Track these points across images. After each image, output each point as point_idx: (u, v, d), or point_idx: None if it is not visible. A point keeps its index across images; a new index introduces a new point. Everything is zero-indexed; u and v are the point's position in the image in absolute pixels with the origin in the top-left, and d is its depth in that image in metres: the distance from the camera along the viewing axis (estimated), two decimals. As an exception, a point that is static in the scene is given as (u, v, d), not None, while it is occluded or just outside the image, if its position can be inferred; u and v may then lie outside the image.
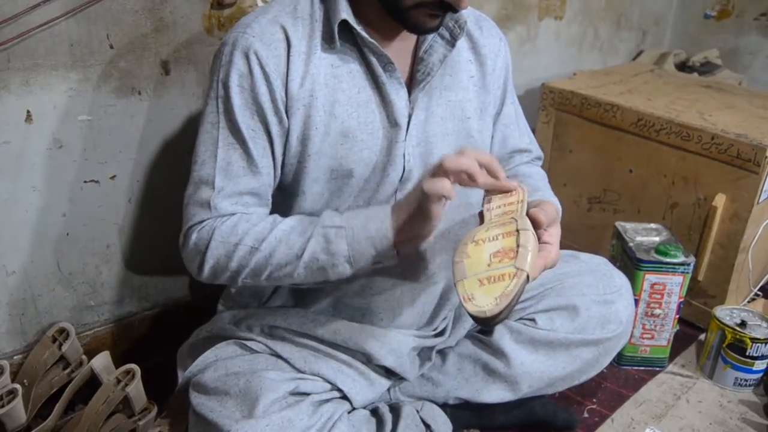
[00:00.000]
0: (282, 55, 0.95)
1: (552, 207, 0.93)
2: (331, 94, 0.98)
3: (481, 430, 1.25)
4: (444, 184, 0.85)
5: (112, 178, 1.27)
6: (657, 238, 1.47)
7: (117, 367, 1.23)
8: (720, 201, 1.49)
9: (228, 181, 0.97)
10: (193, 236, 0.98)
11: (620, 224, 1.52)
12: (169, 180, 1.34)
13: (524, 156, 1.25)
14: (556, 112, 1.76)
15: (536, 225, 0.88)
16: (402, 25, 0.96)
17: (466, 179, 0.87)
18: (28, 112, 1.13)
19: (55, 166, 1.19)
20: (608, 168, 1.69)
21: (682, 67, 2.48)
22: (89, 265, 1.30)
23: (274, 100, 0.95)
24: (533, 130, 1.77)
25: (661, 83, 1.86)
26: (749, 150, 1.43)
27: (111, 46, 1.18)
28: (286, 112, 0.97)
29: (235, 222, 0.96)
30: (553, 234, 0.92)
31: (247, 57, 0.94)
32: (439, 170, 0.86)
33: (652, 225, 1.52)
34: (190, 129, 1.33)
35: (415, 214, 0.88)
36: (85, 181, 1.24)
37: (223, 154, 0.96)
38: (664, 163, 1.58)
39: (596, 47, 2.30)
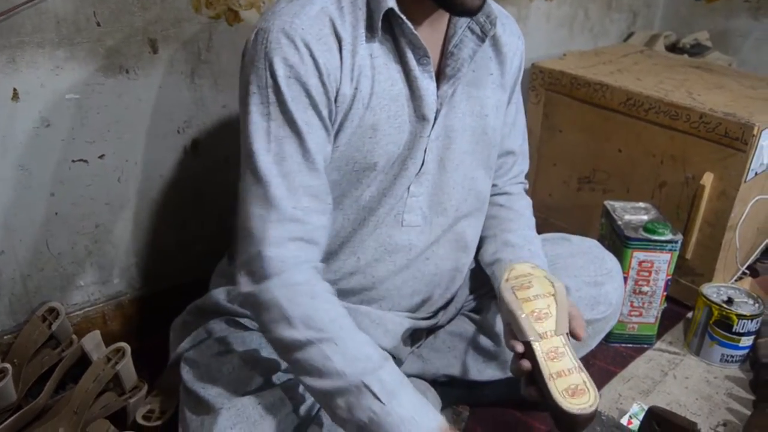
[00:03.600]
0: (334, 49, 0.90)
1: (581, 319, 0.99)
2: (371, 87, 0.94)
3: (471, 406, 1.26)
4: None
5: (101, 157, 1.26)
6: (645, 217, 1.48)
7: (107, 347, 1.23)
8: (708, 179, 1.50)
9: (283, 178, 0.90)
10: (263, 259, 0.89)
11: (609, 203, 1.53)
12: (158, 159, 1.33)
13: (510, 158, 1.23)
14: (546, 93, 1.76)
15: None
16: (444, 6, 0.91)
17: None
18: (15, 90, 1.12)
19: (43, 145, 1.18)
20: (598, 148, 1.70)
21: (673, 48, 2.48)
22: (78, 245, 1.30)
23: (327, 93, 0.90)
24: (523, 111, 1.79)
25: (651, 64, 1.86)
26: (737, 128, 1.44)
27: (98, 24, 1.17)
28: (337, 107, 0.93)
29: (298, 292, 0.88)
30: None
31: (296, 47, 0.87)
32: None
33: (641, 204, 1.53)
34: (179, 108, 1.33)
35: None
36: (74, 161, 1.23)
37: (276, 148, 0.89)
38: (652, 143, 1.59)
39: (587, 28, 2.30)
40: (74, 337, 1.29)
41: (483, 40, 1.00)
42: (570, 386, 0.87)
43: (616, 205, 1.52)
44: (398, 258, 1.06)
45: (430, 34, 0.98)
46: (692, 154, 1.53)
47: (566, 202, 1.78)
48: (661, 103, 1.55)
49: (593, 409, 0.86)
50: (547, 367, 0.90)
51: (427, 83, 0.97)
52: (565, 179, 1.78)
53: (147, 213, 1.36)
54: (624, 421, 1.24)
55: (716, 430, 1.26)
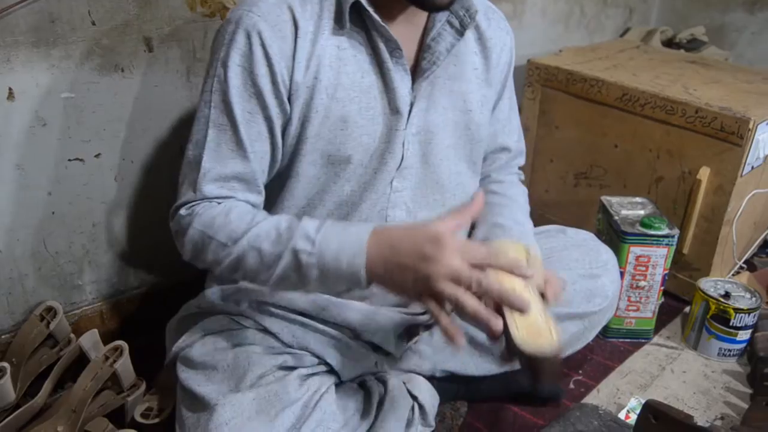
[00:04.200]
0: (288, 37, 0.93)
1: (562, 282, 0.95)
2: (335, 77, 0.96)
3: (468, 401, 1.26)
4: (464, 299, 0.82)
5: (97, 156, 1.26)
6: (642, 212, 1.48)
7: (105, 345, 1.23)
8: (704, 174, 1.50)
9: (215, 163, 0.95)
10: (178, 216, 0.97)
11: (606, 198, 1.53)
12: (154, 158, 1.34)
13: (504, 155, 1.24)
14: (542, 89, 1.76)
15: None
16: (414, 2, 0.93)
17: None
18: (10, 89, 1.12)
19: (39, 144, 1.18)
20: (594, 143, 1.70)
21: (669, 44, 2.48)
22: (76, 244, 1.30)
23: (275, 83, 0.93)
24: (519, 107, 1.79)
25: (647, 59, 1.87)
26: (733, 123, 1.44)
27: (93, 23, 1.17)
28: (290, 97, 0.95)
29: (215, 214, 0.94)
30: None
31: (249, 37, 0.91)
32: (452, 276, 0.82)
33: (638, 199, 1.53)
34: (175, 107, 1.33)
35: (399, 288, 0.86)
36: (70, 160, 1.23)
37: (213, 135, 0.95)
38: (648, 138, 1.59)
39: (583, 24, 2.30)
40: (72, 336, 1.29)
41: (462, 34, 1.01)
42: (532, 328, 0.85)
43: (612, 201, 1.52)
44: None
45: (406, 27, 0.99)
46: (688, 149, 1.53)
47: (563, 198, 1.78)
48: (657, 98, 1.55)
49: (553, 353, 0.84)
50: (511, 312, 0.88)
51: (400, 76, 0.98)
52: (561, 175, 1.78)
53: (144, 212, 1.36)
54: (622, 415, 1.24)
55: (714, 423, 1.26)
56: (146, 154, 1.32)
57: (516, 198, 1.20)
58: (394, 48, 0.96)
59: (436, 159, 1.05)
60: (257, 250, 0.90)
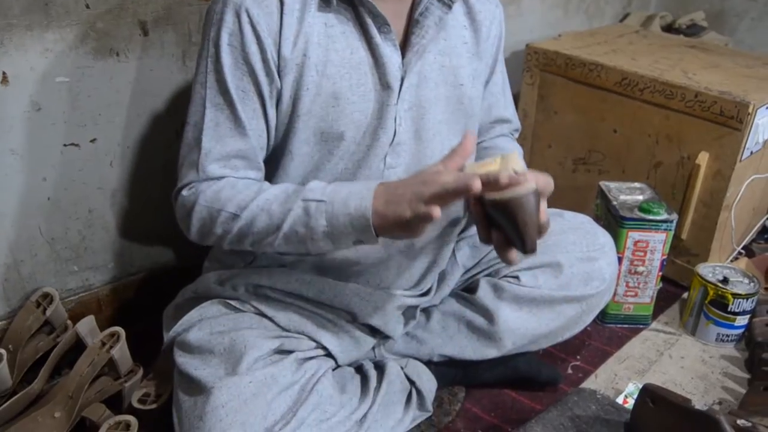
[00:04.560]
0: (274, 13, 0.93)
1: (550, 179, 0.91)
2: (324, 54, 0.96)
3: (466, 386, 1.26)
4: (430, 213, 0.82)
5: (93, 141, 1.26)
6: (640, 197, 1.48)
7: (102, 332, 1.23)
8: (703, 159, 1.50)
9: (215, 143, 0.96)
10: (182, 197, 0.98)
11: (604, 184, 1.53)
12: (151, 142, 1.33)
13: (504, 126, 1.25)
14: (541, 74, 1.75)
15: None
16: None
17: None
18: (4, 73, 1.11)
19: (34, 129, 1.18)
20: (593, 129, 1.69)
21: (669, 29, 2.47)
22: (72, 230, 1.30)
23: (265, 60, 0.94)
24: (518, 93, 1.78)
25: (646, 44, 1.85)
26: (732, 107, 1.43)
27: (87, 6, 1.16)
28: (279, 72, 0.95)
29: (221, 187, 0.95)
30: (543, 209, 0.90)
31: (238, 15, 0.92)
32: (441, 194, 0.83)
33: (636, 184, 1.52)
34: (171, 90, 1.32)
35: (399, 220, 0.85)
36: (65, 145, 1.22)
37: (211, 115, 0.96)
38: (647, 122, 1.58)
39: (582, 9, 2.28)
40: (69, 322, 1.28)
41: (449, 7, 1.01)
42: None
43: (611, 186, 1.52)
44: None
45: (394, 3, 0.99)
46: (687, 134, 1.52)
47: (562, 184, 1.75)
48: (656, 83, 1.54)
49: (527, 190, 0.83)
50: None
51: (390, 51, 0.98)
52: (560, 161, 1.77)
53: (140, 197, 1.36)
54: (620, 400, 1.24)
55: (712, 407, 1.26)
56: (142, 139, 1.31)
57: (506, 146, 1.21)
58: (382, 23, 0.96)
59: (428, 134, 1.05)
60: (267, 212, 0.92)
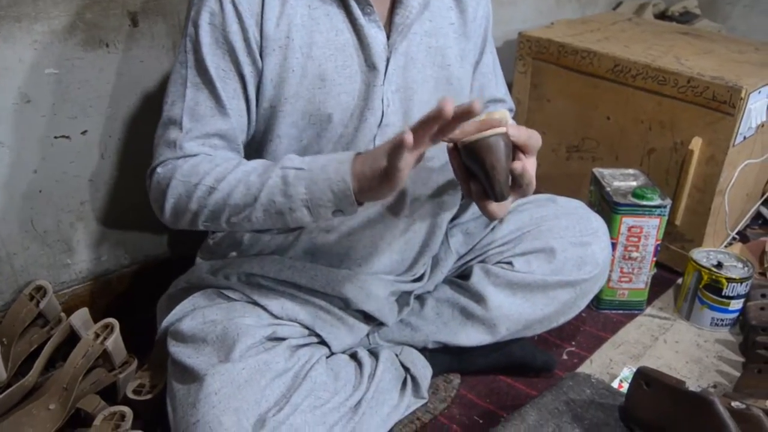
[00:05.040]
0: None
1: (537, 134, 0.91)
2: (309, 36, 0.96)
3: (461, 373, 1.26)
4: (406, 159, 0.80)
5: (84, 133, 1.25)
6: (634, 183, 1.48)
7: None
8: (696, 144, 1.49)
9: (195, 122, 0.95)
10: (157, 175, 0.97)
11: (598, 170, 1.53)
12: (142, 134, 1.32)
13: (498, 106, 1.25)
14: (534, 62, 1.75)
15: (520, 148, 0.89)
16: None
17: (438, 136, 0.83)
18: (-7, 64, 1.11)
19: (24, 121, 1.17)
20: (586, 116, 1.69)
21: (662, 16, 2.47)
22: (64, 223, 1.29)
23: (246, 39, 0.93)
24: (511, 81, 1.78)
25: (639, 31, 1.85)
26: (725, 92, 1.43)
27: (75, -3, 1.16)
28: (261, 53, 0.95)
29: (198, 161, 0.94)
30: (532, 163, 0.91)
31: None
32: (400, 146, 0.80)
33: (630, 170, 1.52)
34: (161, 82, 1.31)
35: (378, 175, 0.84)
36: (56, 137, 1.22)
37: (191, 94, 0.95)
38: (640, 109, 1.58)
39: (574, -2, 2.28)
40: (63, 314, 1.28)
41: None
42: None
43: (604, 172, 1.52)
44: (372, 214, 1.06)
45: None
46: (680, 120, 1.52)
47: (555, 171, 1.78)
48: (649, 69, 1.54)
49: (496, 133, 0.84)
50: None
51: (374, 32, 0.98)
52: (554, 148, 1.77)
53: (132, 189, 1.35)
54: (615, 385, 1.24)
55: (705, 390, 1.26)
56: (133, 131, 1.31)
57: (497, 108, 1.20)
58: (365, 4, 0.97)
59: (417, 116, 1.04)
60: (244, 183, 0.91)
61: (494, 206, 0.90)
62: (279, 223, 0.93)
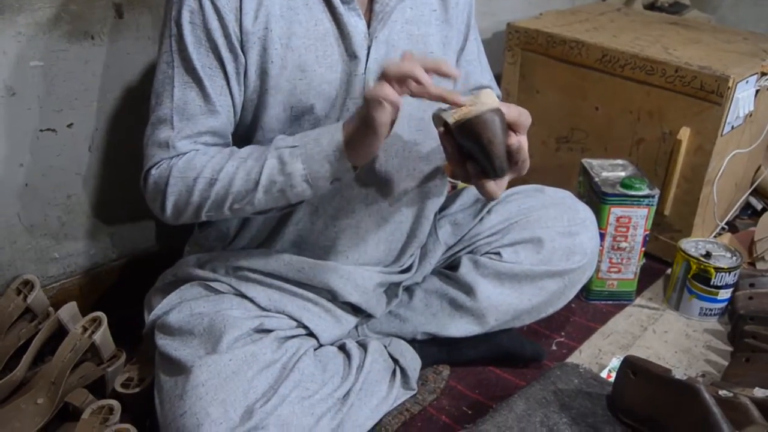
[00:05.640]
0: None
1: (527, 112, 0.91)
2: (288, 27, 0.96)
3: (450, 364, 1.26)
4: (383, 89, 0.83)
5: (70, 126, 1.24)
6: (623, 173, 1.48)
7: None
8: (684, 134, 1.50)
9: (186, 121, 0.95)
10: (153, 176, 0.97)
11: (587, 161, 1.53)
12: (129, 126, 1.31)
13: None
14: (522, 52, 1.75)
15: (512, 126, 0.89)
16: None
17: (414, 87, 0.84)
18: (-24, 58, 1.10)
19: (9, 115, 1.16)
20: (575, 107, 1.69)
21: (651, 7, 2.47)
22: (51, 217, 1.28)
23: (227, 36, 0.93)
24: (499, 72, 1.78)
25: (627, 21, 1.85)
26: (712, 81, 1.44)
27: (59, -12, 1.15)
28: (242, 47, 0.95)
29: (192, 156, 0.94)
30: (524, 141, 0.91)
31: None
32: (381, 78, 0.84)
33: (618, 161, 1.53)
34: (148, 74, 1.30)
35: (361, 123, 0.87)
36: (41, 130, 1.21)
37: (179, 94, 0.95)
38: (629, 99, 1.58)
39: (564, -11, 2.28)
40: (51, 309, 1.27)
41: None
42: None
43: (593, 163, 1.52)
44: (357, 205, 1.06)
45: None
46: (668, 109, 1.53)
47: (545, 163, 1.78)
48: (637, 59, 1.54)
49: (488, 109, 0.85)
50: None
51: (355, 21, 0.98)
52: (543, 139, 1.77)
53: (120, 182, 1.34)
54: (603, 374, 1.25)
55: (692, 378, 1.26)
56: (120, 123, 1.30)
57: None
58: None
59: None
60: (243, 168, 0.92)
61: (492, 185, 0.90)
62: (281, 200, 0.95)
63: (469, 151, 0.89)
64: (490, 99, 0.87)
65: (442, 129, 0.92)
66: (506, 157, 0.88)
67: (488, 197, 0.91)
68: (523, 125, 0.90)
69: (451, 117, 0.87)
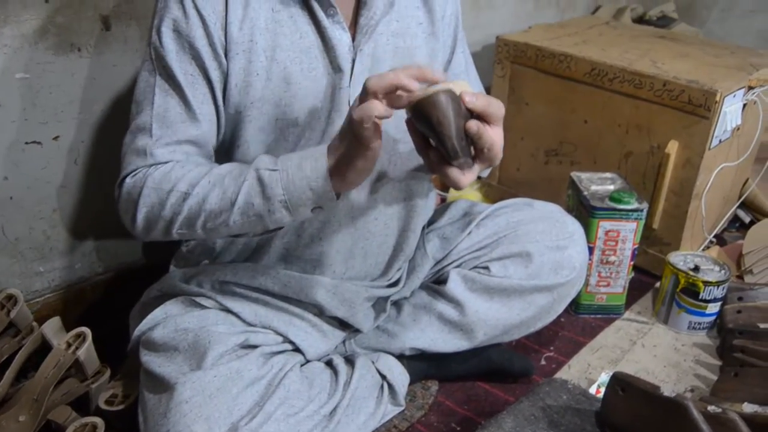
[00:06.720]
0: (219, 0, 0.93)
1: (499, 102, 0.87)
2: (272, 39, 0.95)
3: (439, 379, 1.26)
4: (371, 105, 0.80)
5: (55, 138, 1.23)
6: (611, 187, 1.48)
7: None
8: (673, 148, 1.50)
9: (166, 128, 0.94)
10: (127, 185, 0.95)
11: (575, 174, 1.53)
12: (115, 140, 1.28)
13: None
14: (512, 65, 1.75)
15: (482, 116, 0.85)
16: None
17: (401, 97, 0.82)
18: (-40, 70, 1.09)
19: (-7, 127, 1.15)
20: (564, 120, 1.69)
21: (639, 21, 2.49)
22: (36, 230, 1.27)
23: (212, 44, 0.93)
24: (489, 85, 1.78)
25: (616, 35, 1.86)
26: (700, 95, 1.44)
27: (46, 0, 1.14)
28: (226, 55, 0.94)
29: (170, 168, 0.93)
30: (497, 132, 0.86)
31: (181, 1, 0.92)
32: (365, 94, 0.82)
33: (607, 174, 1.53)
34: (134, 86, 1.29)
35: (351, 146, 0.84)
36: (27, 143, 1.20)
37: (160, 101, 0.94)
38: (617, 113, 1.59)
39: (553, 2, 2.29)
40: (34, 324, 1.25)
41: None
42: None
43: (582, 176, 1.52)
44: (342, 218, 1.05)
45: None
46: (657, 123, 1.53)
47: (534, 176, 1.78)
48: (625, 72, 1.54)
49: (442, 89, 0.81)
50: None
51: (339, 34, 0.97)
52: (532, 152, 1.77)
53: (106, 195, 1.32)
54: (593, 390, 1.24)
55: (680, 394, 1.26)
56: (106, 136, 1.29)
57: None
58: (328, 6, 0.96)
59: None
60: (220, 186, 0.90)
61: (455, 172, 0.86)
62: (258, 225, 0.92)
63: (427, 137, 0.87)
64: (460, 87, 0.85)
65: (407, 116, 0.89)
66: (463, 141, 0.84)
67: (452, 185, 0.87)
68: (494, 115, 0.85)
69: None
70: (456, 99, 0.83)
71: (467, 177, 0.86)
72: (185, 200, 0.90)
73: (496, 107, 0.85)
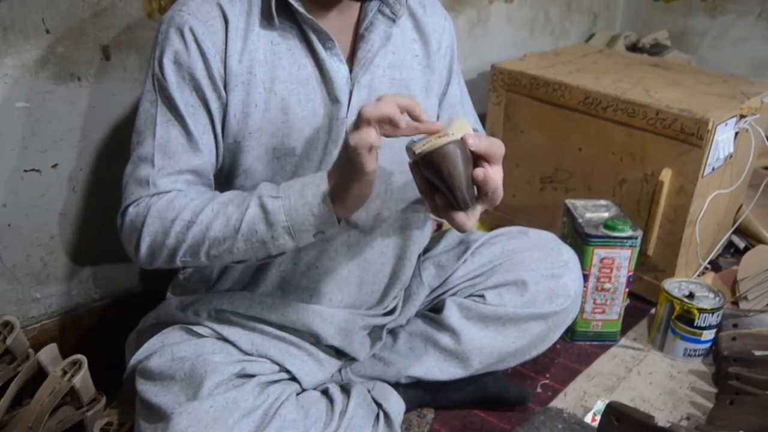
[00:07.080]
0: (219, 31, 0.94)
1: (500, 142, 0.89)
2: (271, 71, 0.97)
3: (435, 407, 1.26)
4: (367, 133, 0.82)
5: (54, 166, 1.24)
6: (606, 214, 1.49)
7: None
8: (666, 176, 1.52)
9: (168, 159, 0.95)
10: (130, 214, 0.96)
11: (570, 202, 1.54)
12: (114, 167, 1.30)
13: None
14: (507, 93, 1.77)
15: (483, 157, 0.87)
16: None
17: (389, 128, 0.84)
18: (-38, 99, 1.10)
19: (-7, 155, 1.16)
20: (558, 147, 1.71)
21: (633, 48, 2.52)
22: (33, 257, 1.27)
23: (211, 77, 0.94)
24: (484, 113, 1.80)
25: (610, 63, 1.88)
26: (692, 124, 1.46)
27: (47, 31, 1.15)
28: (225, 87, 0.96)
29: (173, 197, 0.93)
30: (497, 172, 0.88)
31: (182, 34, 0.93)
32: (360, 121, 0.83)
33: (602, 201, 1.54)
34: (134, 115, 1.29)
35: (348, 172, 0.86)
36: (26, 170, 1.21)
37: (161, 131, 0.95)
38: (611, 141, 1.60)
39: (548, 30, 2.32)
40: (30, 351, 1.25)
41: (394, 21, 1.03)
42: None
43: (577, 204, 1.53)
44: (339, 246, 1.06)
45: (339, 19, 1.00)
46: (650, 151, 1.55)
47: (529, 202, 1.79)
48: (619, 101, 1.56)
49: (450, 141, 0.84)
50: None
51: (336, 65, 0.99)
52: (527, 179, 1.78)
53: (103, 223, 1.34)
54: (588, 418, 1.24)
55: (675, 423, 1.26)
56: (105, 164, 1.30)
57: None
58: (326, 39, 0.98)
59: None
60: (223, 214, 0.91)
61: (461, 216, 0.88)
62: (261, 252, 0.93)
63: (435, 184, 0.88)
64: (460, 128, 0.86)
65: (411, 161, 0.91)
66: (471, 189, 0.86)
67: (458, 229, 0.89)
68: (495, 156, 0.87)
69: (417, 149, 0.87)
70: (464, 148, 0.85)
71: (472, 220, 0.89)
72: (189, 228, 0.91)
73: (497, 147, 0.87)
